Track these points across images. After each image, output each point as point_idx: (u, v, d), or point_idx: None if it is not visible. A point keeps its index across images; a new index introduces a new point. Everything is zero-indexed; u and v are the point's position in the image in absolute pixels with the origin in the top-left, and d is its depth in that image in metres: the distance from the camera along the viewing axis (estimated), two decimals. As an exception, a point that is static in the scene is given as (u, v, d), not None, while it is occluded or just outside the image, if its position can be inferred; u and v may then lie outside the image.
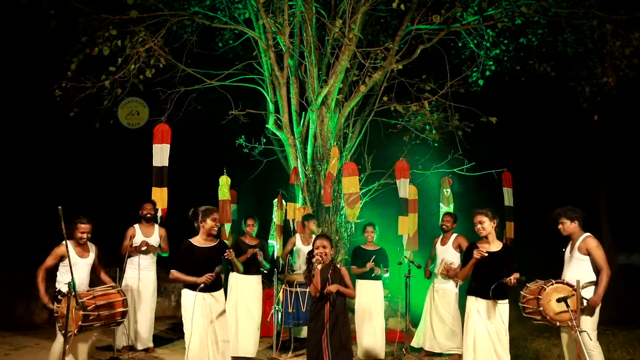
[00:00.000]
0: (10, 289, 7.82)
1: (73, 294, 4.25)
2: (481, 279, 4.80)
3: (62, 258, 5.02)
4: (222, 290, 4.86)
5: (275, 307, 6.35)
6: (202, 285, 4.53)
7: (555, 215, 5.03)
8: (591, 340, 4.71)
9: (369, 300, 6.36)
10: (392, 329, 7.50)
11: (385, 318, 7.76)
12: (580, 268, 4.83)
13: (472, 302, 4.86)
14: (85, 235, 5.09)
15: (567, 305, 4.39)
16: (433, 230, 7.05)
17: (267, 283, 8.29)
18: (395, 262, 6.97)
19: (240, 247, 6.41)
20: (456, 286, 6.51)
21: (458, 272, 6.21)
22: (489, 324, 4.72)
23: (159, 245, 6.54)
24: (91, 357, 5.25)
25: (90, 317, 4.56)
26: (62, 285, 4.98)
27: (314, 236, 6.90)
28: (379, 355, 6.30)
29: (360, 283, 6.45)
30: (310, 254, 4.51)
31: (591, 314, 4.70)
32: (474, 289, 4.88)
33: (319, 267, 4.36)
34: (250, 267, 6.34)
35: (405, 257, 6.86)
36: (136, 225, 6.47)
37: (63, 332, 4.50)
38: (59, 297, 4.67)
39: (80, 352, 4.90)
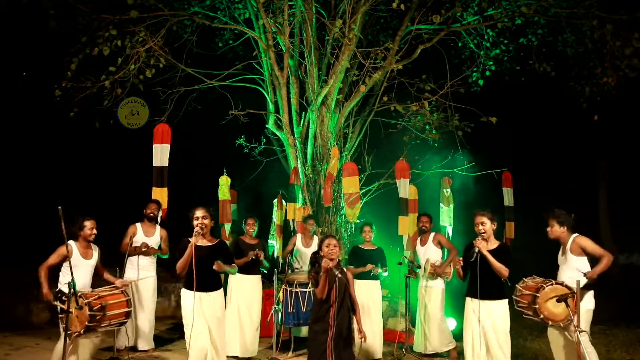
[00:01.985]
0: (10, 289, 7.82)
1: (73, 293, 4.26)
2: (475, 279, 4.82)
3: (65, 258, 5.02)
4: (220, 290, 4.87)
5: (275, 307, 6.35)
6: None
7: (546, 217, 5.03)
8: (589, 341, 4.72)
9: (367, 300, 6.37)
10: (392, 329, 7.51)
11: (385, 318, 7.79)
12: (576, 271, 4.83)
13: (468, 302, 4.89)
14: (95, 231, 5.10)
15: (567, 305, 4.41)
16: (433, 230, 7.05)
17: (267, 283, 8.31)
18: (394, 262, 6.97)
19: (240, 247, 6.42)
20: (444, 283, 6.58)
21: (444, 268, 6.46)
22: (485, 323, 4.72)
23: (159, 247, 6.53)
24: (92, 358, 5.25)
25: (97, 317, 4.57)
26: (64, 285, 4.97)
27: (315, 237, 6.92)
28: (376, 354, 6.32)
29: (358, 282, 6.45)
30: (317, 254, 4.49)
31: (581, 296, 4.70)
32: (470, 290, 4.91)
33: (331, 264, 4.30)
34: (251, 267, 6.35)
35: (405, 257, 6.87)
36: (138, 224, 6.47)
37: (68, 332, 4.51)
38: (63, 297, 4.67)
39: (83, 352, 4.90)
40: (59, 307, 4.67)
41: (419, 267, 6.76)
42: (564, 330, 4.75)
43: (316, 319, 4.37)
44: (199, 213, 4.76)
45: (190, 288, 4.67)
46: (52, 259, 4.99)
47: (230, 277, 6.44)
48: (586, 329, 4.73)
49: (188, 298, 4.68)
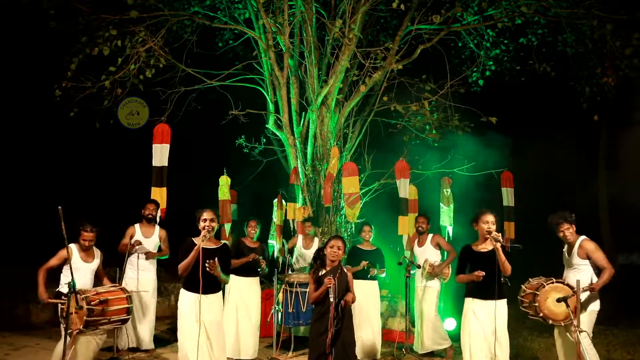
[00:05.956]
0: (10, 289, 7.82)
1: (72, 293, 4.26)
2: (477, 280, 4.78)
3: (66, 260, 5.02)
4: (219, 293, 4.84)
5: (275, 307, 6.36)
6: None
7: (557, 221, 4.94)
8: (589, 341, 4.72)
9: (365, 300, 6.34)
10: (392, 329, 7.51)
11: (386, 318, 7.79)
12: (581, 273, 4.83)
13: (469, 302, 4.84)
14: (87, 243, 5.12)
15: (567, 305, 4.41)
16: (433, 230, 7.06)
17: (267, 283, 8.32)
18: (393, 263, 6.97)
19: (242, 249, 6.39)
20: (440, 283, 6.59)
21: (442, 269, 6.47)
22: (486, 324, 4.69)
23: (159, 248, 6.52)
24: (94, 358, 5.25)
25: (95, 312, 4.56)
26: (64, 287, 4.98)
27: (316, 239, 6.94)
28: (375, 355, 6.32)
29: (356, 283, 6.44)
30: (320, 251, 4.50)
31: (587, 304, 4.70)
32: (470, 290, 4.86)
33: (331, 283, 4.27)
34: (249, 270, 6.34)
35: (405, 257, 6.87)
36: (137, 225, 6.45)
37: (68, 332, 4.51)
38: (63, 297, 4.67)
39: (85, 352, 4.88)
40: (59, 307, 4.68)
41: (419, 267, 6.76)
42: (566, 330, 4.74)
43: (316, 319, 4.39)
44: (207, 215, 4.71)
45: (192, 290, 4.65)
46: (53, 262, 5.01)
47: (230, 279, 6.40)
48: (589, 329, 4.73)
49: (187, 300, 4.68)
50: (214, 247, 4.77)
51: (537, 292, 4.64)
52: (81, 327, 4.50)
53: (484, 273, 4.65)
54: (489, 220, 4.72)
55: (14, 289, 7.81)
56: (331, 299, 4.23)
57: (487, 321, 4.69)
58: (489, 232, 4.67)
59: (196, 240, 4.66)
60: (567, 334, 4.73)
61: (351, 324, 4.43)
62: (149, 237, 6.42)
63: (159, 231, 6.54)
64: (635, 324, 8.06)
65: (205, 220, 4.69)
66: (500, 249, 4.60)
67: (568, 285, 4.66)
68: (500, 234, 4.65)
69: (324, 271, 4.45)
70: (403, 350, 6.50)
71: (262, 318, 6.86)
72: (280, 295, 6.41)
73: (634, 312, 8.82)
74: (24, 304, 7.83)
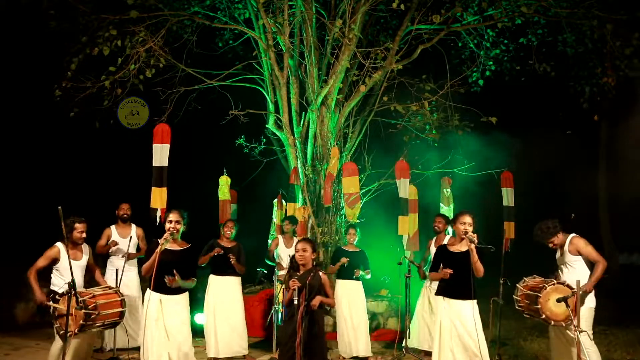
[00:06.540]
0: (10, 289, 7.82)
1: (74, 293, 4.25)
2: (448, 279, 4.78)
3: (54, 260, 4.97)
4: (184, 294, 4.79)
5: (275, 307, 6.36)
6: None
7: (541, 237, 4.96)
8: (591, 339, 4.73)
9: (349, 300, 6.40)
10: (391, 329, 7.51)
11: (385, 318, 7.81)
12: (575, 270, 4.85)
13: (440, 301, 4.86)
14: (84, 235, 5.08)
15: (567, 305, 4.41)
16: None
17: (267, 283, 8.33)
18: (393, 263, 6.97)
19: (213, 248, 6.32)
20: None
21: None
22: (458, 323, 4.69)
23: (137, 247, 6.51)
24: (90, 358, 5.25)
25: (92, 316, 4.56)
26: (57, 287, 4.93)
27: (295, 238, 6.92)
28: (364, 353, 6.33)
29: (340, 283, 6.52)
30: (293, 258, 4.51)
31: (581, 302, 4.70)
32: (442, 289, 4.88)
33: (297, 284, 4.27)
34: (226, 269, 6.24)
35: (406, 257, 6.87)
36: (112, 227, 6.49)
37: (61, 332, 4.50)
38: (57, 297, 4.65)
39: (79, 353, 4.88)
40: (52, 308, 4.64)
41: (419, 267, 6.76)
42: (566, 330, 4.75)
43: (286, 321, 4.41)
44: (172, 217, 4.71)
45: (155, 290, 4.65)
46: (41, 262, 4.94)
47: (209, 279, 6.31)
48: (588, 327, 4.74)
49: (150, 300, 4.64)
50: (178, 249, 4.74)
51: (539, 295, 4.64)
52: (76, 330, 4.48)
53: (451, 271, 4.69)
54: (465, 222, 4.73)
55: (14, 289, 7.81)
56: (295, 302, 4.23)
57: (456, 321, 4.69)
58: (465, 233, 4.68)
59: (161, 241, 4.66)
60: (568, 333, 4.73)
61: (321, 326, 4.40)
62: (126, 237, 6.42)
63: (135, 230, 6.56)
64: (635, 324, 8.05)
65: (170, 221, 4.70)
66: (474, 249, 4.62)
67: (568, 286, 4.66)
68: (475, 235, 4.66)
69: (297, 275, 4.44)
70: (403, 350, 6.50)
71: (260, 318, 6.85)
72: (280, 295, 6.41)
73: (634, 312, 8.82)
74: (23, 304, 7.83)
